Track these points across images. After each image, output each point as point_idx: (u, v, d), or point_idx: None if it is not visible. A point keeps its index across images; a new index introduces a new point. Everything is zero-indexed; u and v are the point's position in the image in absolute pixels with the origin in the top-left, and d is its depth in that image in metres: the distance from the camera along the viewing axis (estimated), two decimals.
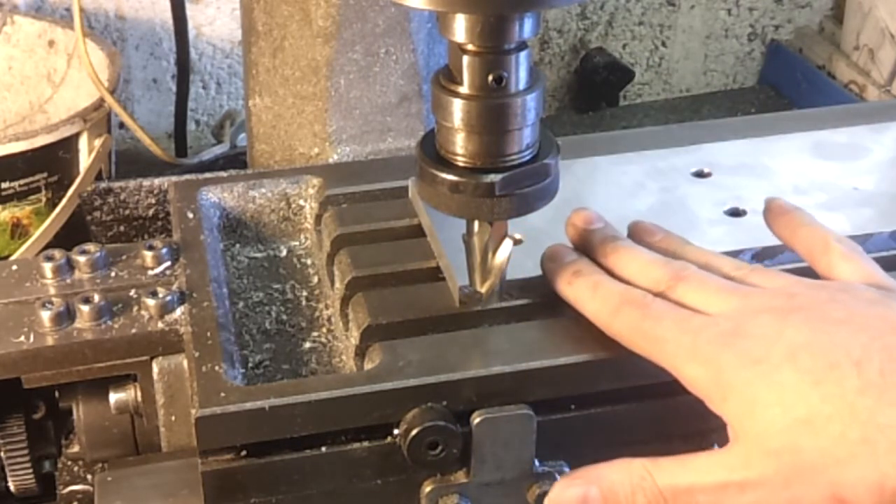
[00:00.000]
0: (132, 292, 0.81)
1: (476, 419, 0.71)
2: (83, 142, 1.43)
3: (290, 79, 1.04)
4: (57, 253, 0.83)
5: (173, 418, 0.80)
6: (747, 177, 0.90)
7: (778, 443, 0.63)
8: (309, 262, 0.91)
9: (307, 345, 0.82)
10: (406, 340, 0.74)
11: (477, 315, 0.76)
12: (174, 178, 1.11)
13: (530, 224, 0.76)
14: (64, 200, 1.38)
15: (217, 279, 0.82)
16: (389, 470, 0.72)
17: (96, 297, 0.79)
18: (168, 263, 0.84)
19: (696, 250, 0.76)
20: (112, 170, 1.55)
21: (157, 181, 1.22)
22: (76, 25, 1.50)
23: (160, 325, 0.79)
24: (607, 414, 0.74)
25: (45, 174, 1.42)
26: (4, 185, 1.40)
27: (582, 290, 0.74)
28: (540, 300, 0.77)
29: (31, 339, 0.78)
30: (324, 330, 0.83)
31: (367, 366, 0.74)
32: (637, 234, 0.78)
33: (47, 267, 0.82)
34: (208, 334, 0.75)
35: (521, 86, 0.68)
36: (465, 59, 0.67)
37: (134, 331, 0.78)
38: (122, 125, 1.73)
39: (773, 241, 0.79)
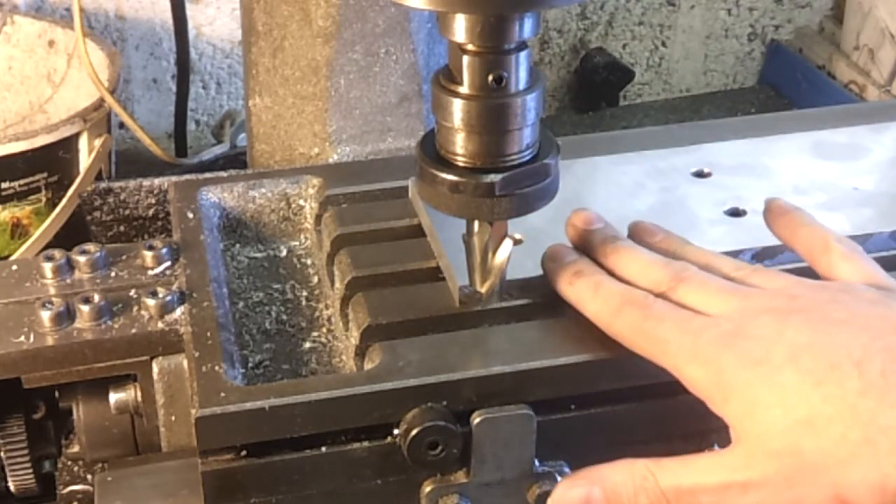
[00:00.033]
0: (132, 292, 0.81)
1: (476, 419, 0.71)
2: (83, 142, 1.43)
3: (290, 79, 1.04)
4: (57, 253, 0.83)
5: (173, 418, 0.80)
6: (747, 177, 0.90)
7: (779, 444, 0.63)
8: (309, 262, 0.91)
9: (307, 345, 0.82)
10: (406, 340, 0.74)
11: (477, 315, 0.76)
12: (174, 178, 1.11)
13: (530, 224, 0.76)
14: (64, 200, 1.37)
15: (217, 279, 0.82)
16: (389, 470, 0.72)
17: (96, 297, 0.79)
18: (168, 263, 0.84)
19: (697, 251, 0.76)
20: (112, 170, 1.55)
21: (157, 181, 1.22)
22: (76, 25, 1.50)
23: (160, 325, 0.79)
24: (607, 414, 0.74)
25: (45, 174, 1.42)
26: (4, 185, 1.40)
27: (583, 290, 0.73)
28: (540, 300, 0.77)
29: (31, 339, 0.78)
30: (324, 330, 0.83)
31: (367, 366, 0.74)
32: (637, 234, 0.78)
33: (47, 267, 0.82)
34: (208, 334, 0.75)
35: (521, 86, 0.68)
36: (465, 59, 0.67)
37: (134, 331, 0.78)
38: (122, 125, 1.73)
39: (773, 241, 0.79)
